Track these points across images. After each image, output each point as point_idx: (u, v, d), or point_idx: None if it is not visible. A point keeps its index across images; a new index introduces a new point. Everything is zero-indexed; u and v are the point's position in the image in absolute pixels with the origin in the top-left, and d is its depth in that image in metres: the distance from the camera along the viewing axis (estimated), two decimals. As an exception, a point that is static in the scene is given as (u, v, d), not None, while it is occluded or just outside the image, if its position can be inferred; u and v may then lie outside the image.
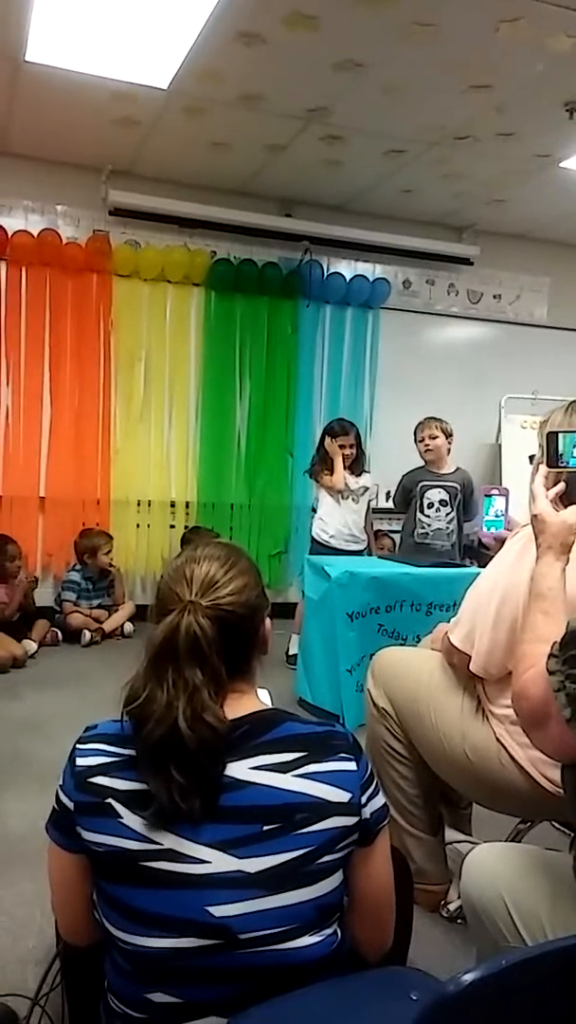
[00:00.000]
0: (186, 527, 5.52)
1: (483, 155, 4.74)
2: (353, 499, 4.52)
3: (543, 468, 1.50)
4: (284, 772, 1.09)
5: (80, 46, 3.68)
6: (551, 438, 1.50)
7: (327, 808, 1.09)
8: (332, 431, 4.52)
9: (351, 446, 4.48)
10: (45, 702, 3.77)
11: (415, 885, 1.84)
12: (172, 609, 1.11)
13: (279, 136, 4.62)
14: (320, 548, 4.45)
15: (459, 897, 2.00)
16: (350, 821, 1.10)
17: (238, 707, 1.13)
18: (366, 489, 4.56)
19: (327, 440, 4.50)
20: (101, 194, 5.22)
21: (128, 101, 4.22)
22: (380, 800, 1.16)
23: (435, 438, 4.39)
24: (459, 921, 2.06)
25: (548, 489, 1.47)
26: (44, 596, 5.18)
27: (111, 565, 5.18)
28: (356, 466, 4.53)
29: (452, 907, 2.10)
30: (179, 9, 3.32)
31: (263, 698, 1.21)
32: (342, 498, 4.50)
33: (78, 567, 5.13)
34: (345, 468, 4.47)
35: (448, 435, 4.42)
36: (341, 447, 4.45)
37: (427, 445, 4.42)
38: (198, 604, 1.11)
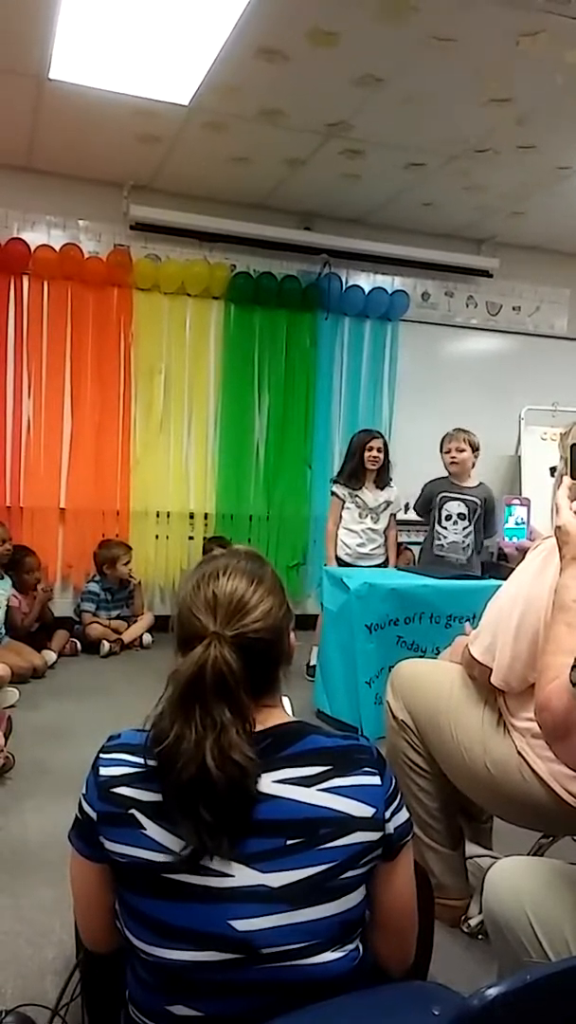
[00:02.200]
0: (205, 538, 5.54)
1: (503, 168, 4.74)
2: (372, 517, 4.50)
3: (567, 480, 1.50)
4: (308, 786, 1.08)
5: (103, 64, 3.73)
6: (575, 450, 1.50)
7: (351, 823, 1.08)
8: (363, 443, 4.50)
9: (379, 449, 4.48)
10: (64, 712, 3.79)
11: (435, 900, 1.83)
12: (196, 637, 1.08)
13: (299, 150, 4.65)
14: (337, 563, 4.45)
15: (480, 912, 1.98)
16: (374, 836, 1.09)
17: (263, 720, 1.12)
18: (388, 504, 4.54)
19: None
20: (122, 209, 5.27)
21: (150, 117, 4.27)
22: (404, 815, 1.15)
23: (462, 451, 4.37)
24: (480, 936, 2.04)
25: (572, 501, 1.47)
26: (63, 607, 5.21)
27: (130, 576, 5.20)
28: (382, 477, 4.52)
29: (473, 922, 2.08)
30: (200, 26, 3.36)
31: (285, 706, 1.21)
32: (360, 516, 4.48)
33: (97, 578, 5.15)
34: (372, 480, 4.47)
35: (475, 448, 4.40)
36: (368, 449, 4.45)
37: (453, 457, 4.39)
38: (223, 636, 1.08)
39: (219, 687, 1.05)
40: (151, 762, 1.09)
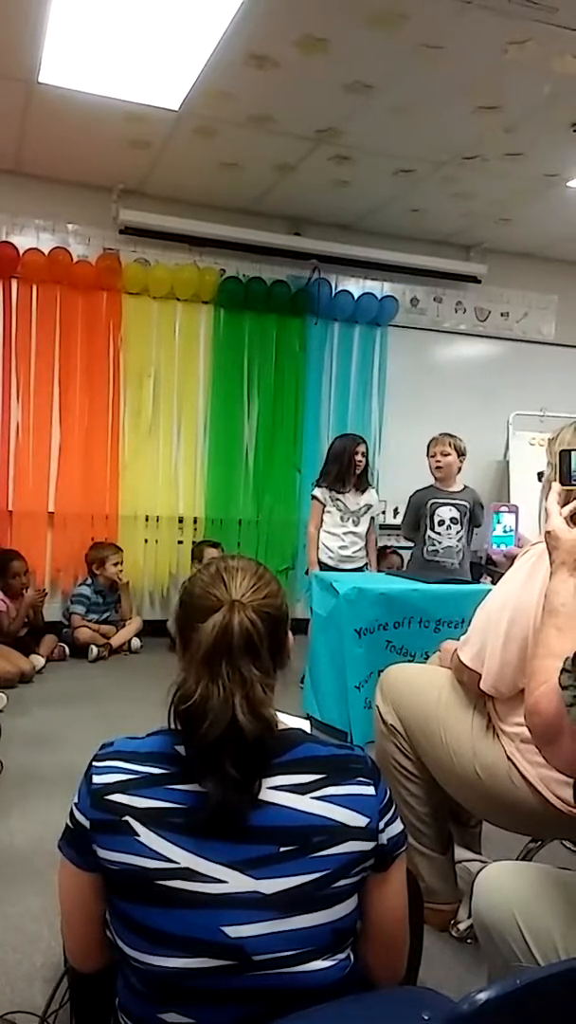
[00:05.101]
0: (194, 542, 5.53)
1: (491, 175, 4.77)
2: (353, 521, 4.51)
3: (556, 485, 1.51)
4: (302, 794, 1.08)
5: (93, 68, 3.73)
6: (564, 456, 1.51)
7: (344, 832, 1.08)
8: (354, 445, 4.51)
9: (363, 454, 4.50)
10: (53, 717, 3.77)
11: (425, 904, 1.83)
12: (213, 610, 1.10)
13: (289, 156, 4.66)
14: (319, 567, 4.46)
15: (469, 916, 1.99)
16: (367, 846, 1.09)
17: None
18: (369, 508, 4.56)
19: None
20: (112, 213, 5.27)
21: (140, 122, 4.27)
22: (398, 826, 1.15)
23: (447, 455, 4.40)
24: (469, 941, 2.04)
25: (562, 506, 1.48)
26: (52, 611, 5.19)
27: (119, 577, 5.18)
28: (361, 480, 4.54)
29: (462, 926, 2.09)
30: (191, 32, 3.36)
31: (304, 726, 1.22)
32: (342, 520, 4.49)
33: (89, 581, 5.13)
34: (353, 484, 4.48)
35: (460, 453, 4.42)
36: (352, 453, 4.46)
37: (438, 462, 4.42)
38: (243, 602, 1.11)
39: (247, 644, 1.08)
40: (145, 768, 1.09)
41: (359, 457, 4.47)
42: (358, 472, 4.49)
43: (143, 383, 5.48)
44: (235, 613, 1.09)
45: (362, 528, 4.54)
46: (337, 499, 4.49)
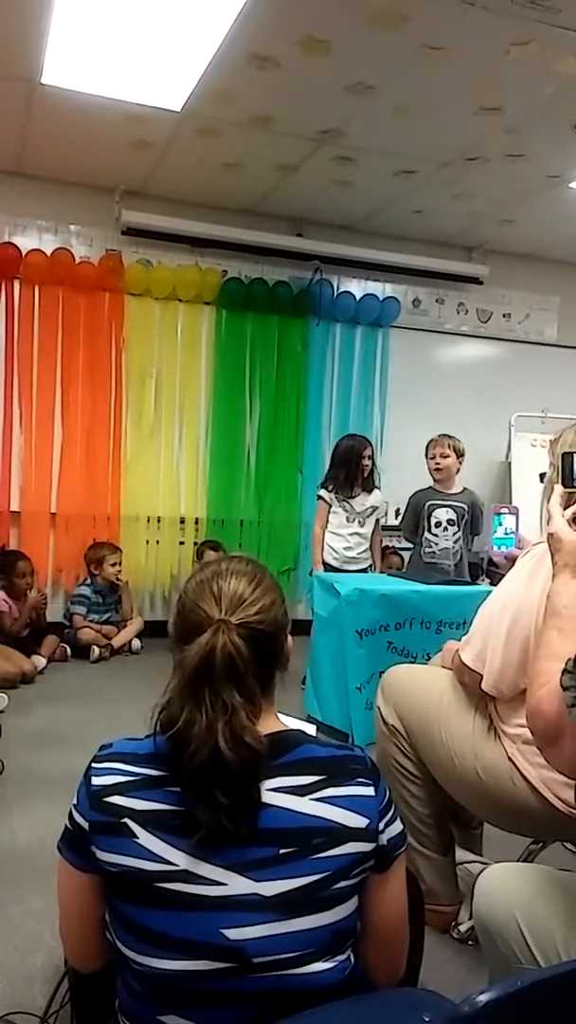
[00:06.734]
0: (196, 543, 5.54)
1: (493, 176, 4.77)
2: (359, 521, 4.51)
3: (558, 488, 1.51)
4: (302, 795, 1.08)
5: (95, 69, 3.74)
6: (566, 458, 1.51)
7: (344, 833, 1.08)
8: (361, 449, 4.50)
9: (369, 456, 4.49)
10: (54, 718, 3.77)
11: (426, 906, 1.83)
12: (200, 627, 1.09)
13: (291, 157, 4.66)
14: (324, 568, 4.46)
15: (470, 918, 1.99)
16: (367, 847, 1.09)
17: (259, 726, 1.11)
18: (374, 509, 4.55)
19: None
20: (114, 214, 5.28)
21: (142, 123, 4.27)
22: (398, 827, 1.14)
23: (446, 456, 4.40)
24: (470, 942, 2.04)
25: (564, 508, 1.48)
26: (54, 611, 5.19)
27: (118, 578, 5.18)
28: (367, 481, 4.54)
29: (463, 928, 2.08)
30: (193, 32, 3.37)
31: (309, 731, 1.21)
32: (348, 520, 4.49)
33: (88, 581, 5.14)
34: (359, 485, 4.48)
35: (459, 454, 4.42)
36: (360, 458, 4.47)
37: (437, 463, 4.42)
38: (229, 623, 1.09)
39: (229, 670, 1.06)
40: (145, 770, 1.09)
41: (365, 461, 4.47)
42: (365, 475, 4.49)
43: (145, 384, 5.49)
44: (219, 636, 1.07)
45: (367, 529, 4.53)
46: (344, 501, 4.49)
